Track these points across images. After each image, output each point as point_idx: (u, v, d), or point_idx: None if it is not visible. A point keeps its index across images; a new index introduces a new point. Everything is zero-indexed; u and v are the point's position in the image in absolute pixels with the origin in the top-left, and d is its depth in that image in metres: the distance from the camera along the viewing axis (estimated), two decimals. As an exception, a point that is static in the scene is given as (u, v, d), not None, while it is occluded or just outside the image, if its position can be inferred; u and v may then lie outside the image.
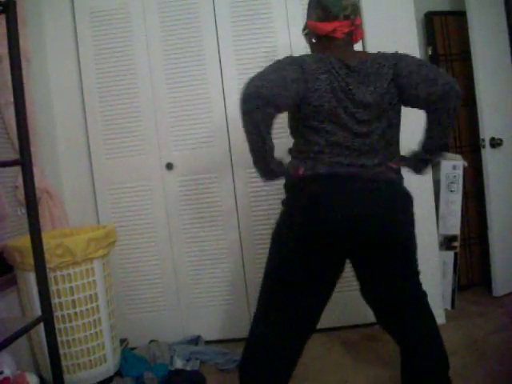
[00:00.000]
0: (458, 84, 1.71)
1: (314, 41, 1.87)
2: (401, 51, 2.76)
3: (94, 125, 2.94)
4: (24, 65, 1.93)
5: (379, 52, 1.84)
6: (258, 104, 1.60)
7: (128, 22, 2.89)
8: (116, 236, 2.52)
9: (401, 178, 1.81)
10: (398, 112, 1.80)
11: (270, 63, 1.71)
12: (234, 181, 2.91)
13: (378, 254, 1.77)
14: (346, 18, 1.77)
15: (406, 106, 1.81)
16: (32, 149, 1.83)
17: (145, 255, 2.97)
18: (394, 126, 1.80)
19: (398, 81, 1.73)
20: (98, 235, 2.32)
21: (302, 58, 1.74)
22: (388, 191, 1.74)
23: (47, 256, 2.00)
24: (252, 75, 1.65)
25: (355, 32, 1.82)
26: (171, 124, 2.92)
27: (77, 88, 2.94)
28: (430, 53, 3.43)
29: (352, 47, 1.86)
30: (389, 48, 2.77)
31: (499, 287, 3.19)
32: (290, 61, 1.71)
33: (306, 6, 1.90)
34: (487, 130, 3.13)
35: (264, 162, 1.75)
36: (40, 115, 2.72)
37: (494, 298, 3.20)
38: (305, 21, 1.90)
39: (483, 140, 3.14)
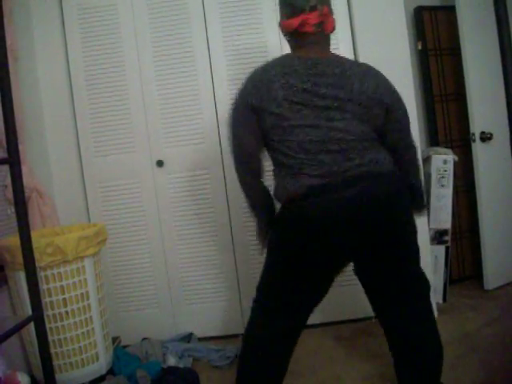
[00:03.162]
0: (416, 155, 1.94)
1: (288, 39, 1.87)
2: (391, 46, 2.81)
3: (84, 122, 2.92)
4: (11, 62, 1.91)
5: (359, 61, 1.86)
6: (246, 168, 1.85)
7: (116, 17, 2.87)
8: (107, 234, 2.51)
9: (391, 169, 1.77)
10: (381, 124, 1.79)
11: (232, 106, 1.83)
12: (224, 177, 2.90)
13: (379, 250, 1.75)
14: (313, 9, 1.75)
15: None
16: (20, 147, 1.82)
17: (136, 253, 2.96)
18: (371, 125, 1.77)
19: (387, 110, 1.77)
20: (88, 233, 2.31)
21: (255, 75, 1.78)
22: (376, 187, 1.70)
23: (37, 255, 1.99)
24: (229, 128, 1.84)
25: (325, 22, 1.78)
26: (161, 121, 2.90)
27: (66, 85, 2.92)
28: (419, 47, 3.44)
29: (327, 44, 1.83)
30: (379, 43, 2.79)
31: (490, 280, 3.21)
32: (243, 92, 1.79)
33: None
34: (477, 124, 3.14)
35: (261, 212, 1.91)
36: (29, 113, 2.70)
37: (485, 291, 3.21)
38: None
39: (473, 134, 3.15)
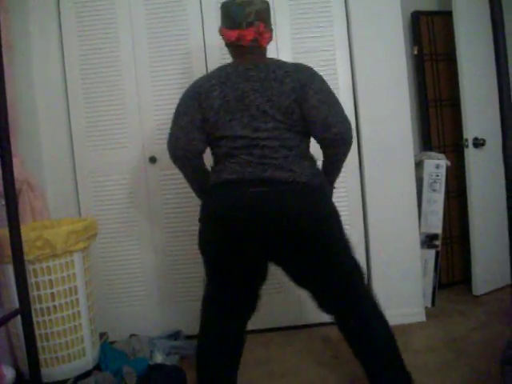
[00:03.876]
0: (350, 131, 1.83)
1: (227, 47, 1.98)
2: (387, 51, 2.81)
3: (77, 116, 2.91)
4: (6, 53, 1.89)
5: (287, 62, 1.92)
6: (185, 163, 1.97)
7: (113, 13, 2.86)
8: (97, 229, 2.49)
9: (308, 180, 1.81)
10: (298, 118, 1.82)
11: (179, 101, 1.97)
12: (217, 176, 2.89)
13: (284, 249, 1.81)
14: (250, 25, 1.84)
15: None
16: (12, 139, 1.80)
17: (126, 248, 2.95)
18: (294, 130, 1.83)
19: (300, 102, 1.78)
20: (78, 228, 2.29)
21: (197, 81, 1.93)
22: (285, 193, 1.78)
23: (26, 248, 1.98)
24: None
25: (260, 38, 1.87)
26: (155, 117, 2.90)
27: (60, 78, 2.90)
28: (415, 52, 3.44)
29: (261, 52, 1.92)
30: (375, 47, 2.80)
31: (479, 286, 3.22)
32: (189, 93, 1.93)
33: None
34: (470, 130, 3.16)
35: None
36: (22, 105, 2.67)
37: (474, 296, 3.23)
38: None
39: (466, 140, 3.16)
